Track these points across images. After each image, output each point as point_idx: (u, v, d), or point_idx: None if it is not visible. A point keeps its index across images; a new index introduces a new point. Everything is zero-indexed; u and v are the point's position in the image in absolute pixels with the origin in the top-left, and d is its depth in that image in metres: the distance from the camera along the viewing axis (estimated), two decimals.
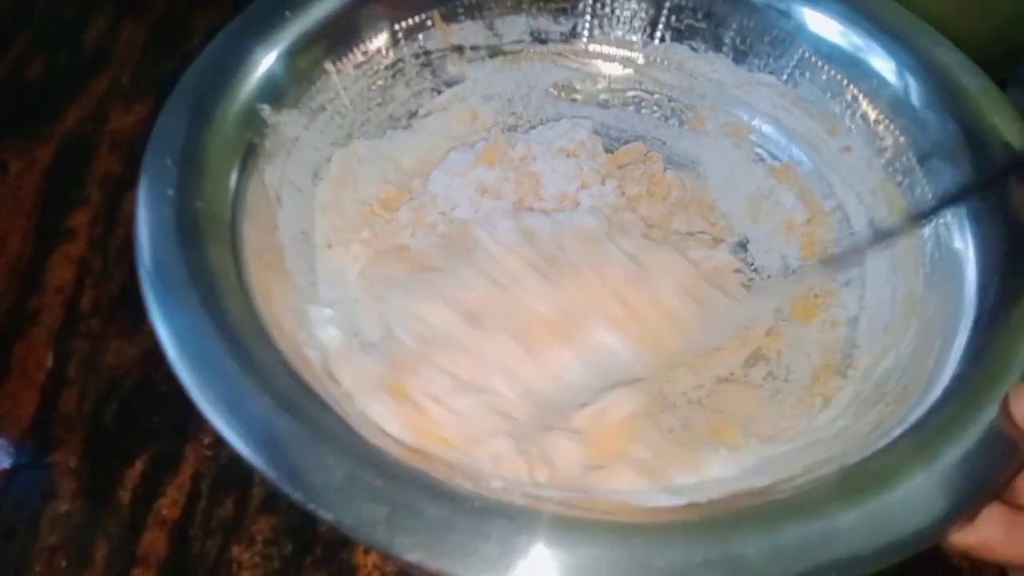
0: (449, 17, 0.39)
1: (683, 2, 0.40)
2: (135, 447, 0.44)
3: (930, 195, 0.34)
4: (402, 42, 0.39)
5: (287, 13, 0.34)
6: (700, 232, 0.39)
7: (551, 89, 0.42)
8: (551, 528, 0.23)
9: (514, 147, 0.39)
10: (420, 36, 0.39)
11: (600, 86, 0.42)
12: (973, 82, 0.34)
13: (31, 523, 0.41)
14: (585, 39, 0.42)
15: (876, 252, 0.36)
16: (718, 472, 0.30)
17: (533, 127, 0.42)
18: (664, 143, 0.42)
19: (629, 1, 0.41)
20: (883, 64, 0.36)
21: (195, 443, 0.44)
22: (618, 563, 0.23)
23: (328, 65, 0.36)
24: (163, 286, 0.26)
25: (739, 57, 0.40)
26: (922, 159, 0.35)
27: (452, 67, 0.40)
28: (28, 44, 0.62)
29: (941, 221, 0.33)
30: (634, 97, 0.43)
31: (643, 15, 0.41)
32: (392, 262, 0.36)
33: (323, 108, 0.36)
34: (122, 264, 0.50)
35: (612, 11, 0.41)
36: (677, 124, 0.43)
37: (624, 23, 0.41)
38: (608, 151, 0.42)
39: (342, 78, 0.37)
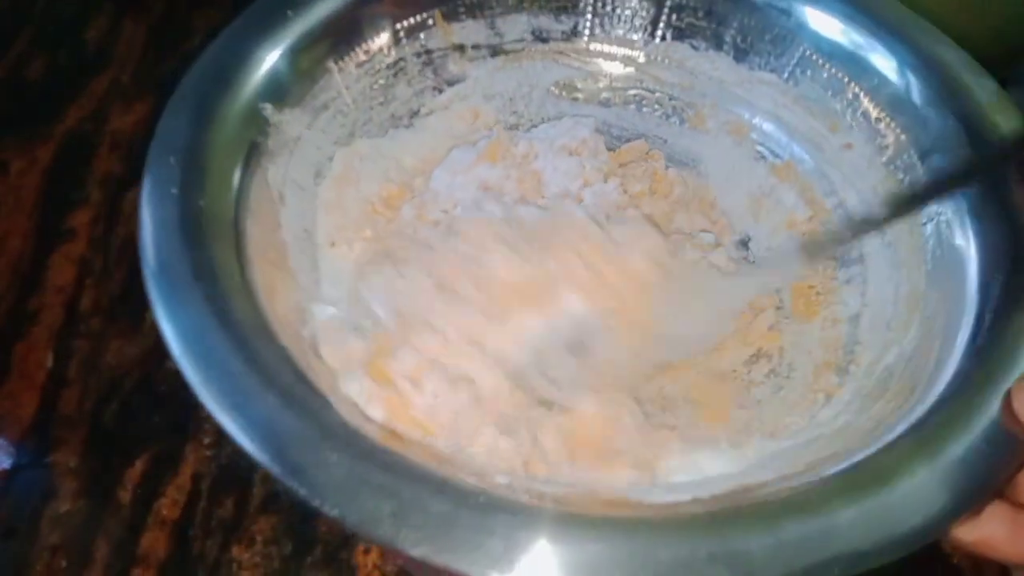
0: (450, 16, 0.39)
1: (684, 1, 0.40)
2: (135, 447, 0.44)
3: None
4: (404, 41, 0.39)
5: (289, 12, 0.34)
6: (702, 230, 0.39)
7: (552, 88, 0.43)
8: (555, 523, 0.23)
9: (516, 145, 0.39)
10: (422, 35, 0.39)
11: (601, 85, 0.42)
12: (974, 80, 0.34)
13: (31, 523, 0.41)
14: (586, 38, 0.42)
15: (862, 240, 0.36)
16: (721, 468, 0.30)
17: (535, 125, 0.42)
18: (665, 141, 0.43)
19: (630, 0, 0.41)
20: (884, 62, 0.36)
21: (195, 443, 0.44)
22: (621, 558, 0.23)
23: (330, 64, 0.36)
24: (167, 284, 0.27)
25: (740, 55, 0.40)
26: (923, 156, 0.35)
27: (454, 66, 0.40)
28: (28, 44, 0.62)
29: (943, 219, 0.33)
30: (635, 96, 0.43)
31: (644, 14, 0.41)
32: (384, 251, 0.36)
33: (325, 107, 0.36)
34: (122, 264, 0.50)
35: (613, 10, 0.41)
36: (678, 122, 0.43)
37: (625, 22, 0.41)
38: (610, 149, 0.42)
39: (344, 77, 0.37)
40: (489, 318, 0.33)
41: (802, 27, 0.38)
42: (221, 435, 0.43)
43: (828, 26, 0.38)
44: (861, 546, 0.23)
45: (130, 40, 0.62)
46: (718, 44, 0.40)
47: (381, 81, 0.38)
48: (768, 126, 0.41)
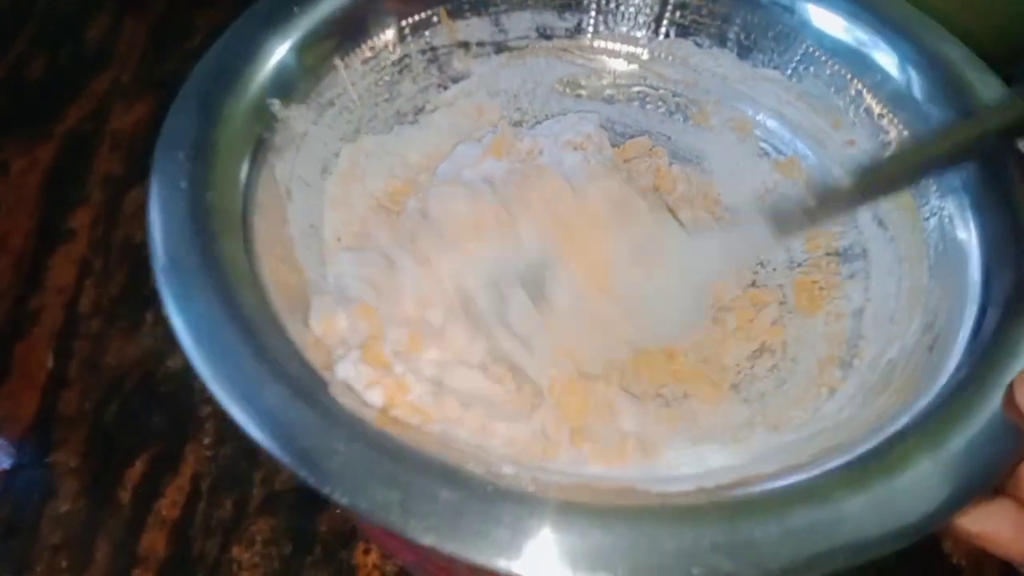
0: (455, 13, 0.39)
1: None
2: (135, 447, 0.44)
3: (933, 187, 0.34)
4: (409, 38, 0.39)
5: (295, 8, 0.35)
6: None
7: (556, 85, 0.43)
8: (561, 512, 0.23)
9: (521, 141, 0.39)
10: (426, 32, 0.39)
11: (605, 82, 0.43)
12: (977, 76, 0.34)
13: (32, 523, 0.41)
14: (590, 35, 0.42)
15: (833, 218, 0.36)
16: (724, 461, 0.30)
17: (539, 122, 0.42)
18: (669, 138, 0.43)
19: None
20: (887, 58, 0.37)
21: (195, 443, 0.44)
22: (628, 547, 0.23)
23: (336, 60, 0.36)
24: (177, 278, 0.27)
25: (743, 52, 0.40)
26: None
27: (458, 63, 0.41)
28: (29, 43, 0.62)
29: (945, 213, 0.33)
30: (639, 93, 0.43)
31: (648, 11, 0.41)
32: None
33: (331, 103, 0.37)
34: (123, 264, 0.50)
35: (617, 7, 0.41)
36: (682, 119, 0.43)
37: (629, 19, 0.41)
38: (613, 146, 0.42)
39: (350, 74, 0.37)
40: (444, 249, 0.34)
41: (805, 24, 0.38)
42: (221, 435, 0.44)
43: (831, 23, 0.38)
44: (866, 535, 0.23)
45: (131, 39, 0.62)
46: (722, 41, 0.41)
47: (386, 78, 0.39)
48: (772, 123, 0.41)
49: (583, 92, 0.43)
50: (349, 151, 0.37)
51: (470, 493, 0.23)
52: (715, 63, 0.41)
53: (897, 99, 0.36)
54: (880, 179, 0.32)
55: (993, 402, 0.26)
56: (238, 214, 0.30)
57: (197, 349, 0.25)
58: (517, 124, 0.42)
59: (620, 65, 0.43)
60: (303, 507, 0.42)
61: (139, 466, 0.43)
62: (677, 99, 0.43)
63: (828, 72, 0.38)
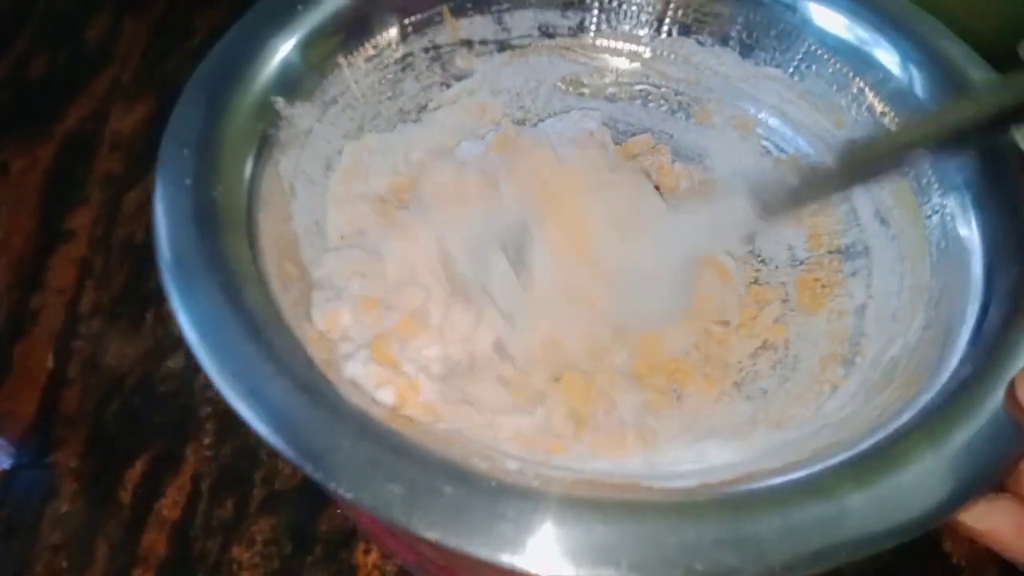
0: (458, 12, 0.39)
1: None
2: (136, 447, 0.44)
3: (935, 185, 0.34)
4: (412, 36, 0.39)
5: (299, 6, 0.35)
6: None
7: (559, 83, 0.43)
8: (565, 507, 0.23)
9: (523, 138, 0.39)
10: (429, 30, 0.39)
11: (607, 80, 0.43)
12: (978, 74, 0.34)
13: (32, 523, 0.41)
14: (592, 33, 0.42)
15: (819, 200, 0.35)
16: (727, 458, 0.30)
17: (541, 120, 0.42)
18: (671, 136, 0.43)
19: None
20: (888, 57, 0.37)
21: (195, 443, 0.44)
22: (631, 541, 0.23)
23: (340, 58, 0.37)
24: (182, 274, 0.27)
25: (745, 51, 0.40)
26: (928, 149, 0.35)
27: (461, 61, 0.41)
28: (29, 43, 0.62)
29: (947, 211, 0.33)
30: (641, 91, 0.43)
31: (650, 9, 0.41)
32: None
33: (335, 101, 0.37)
34: (123, 264, 0.51)
35: (619, 5, 0.41)
36: (684, 117, 0.43)
37: (631, 17, 0.41)
38: (616, 144, 0.42)
39: (353, 71, 0.37)
40: (426, 219, 0.34)
41: (807, 22, 0.39)
42: (221, 435, 0.44)
43: (833, 21, 0.38)
44: (869, 531, 0.23)
45: (131, 39, 0.62)
46: (724, 40, 0.41)
47: (389, 76, 0.39)
48: (774, 121, 0.41)
49: (585, 90, 0.43)
50: (352, 148, 0.37)
51: (474, 488, 0.23)
52: (717, 61, 0.41)
53: (899, 97, 0.36)
54: (865, 160, 0.31)
55: (995, 399, 0.26)
56: (243, 210, 0.30)
57: (202, 345, 0.25)
58: (520, 122, 0.42)
59: (622, 63, 0.43)
60: (303, 507, 0.42)
61: (139, 466, 0.43)
62: (679, 97, 0.43)
63: (830, 70, 0.38)
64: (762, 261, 0.39)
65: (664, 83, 0.43)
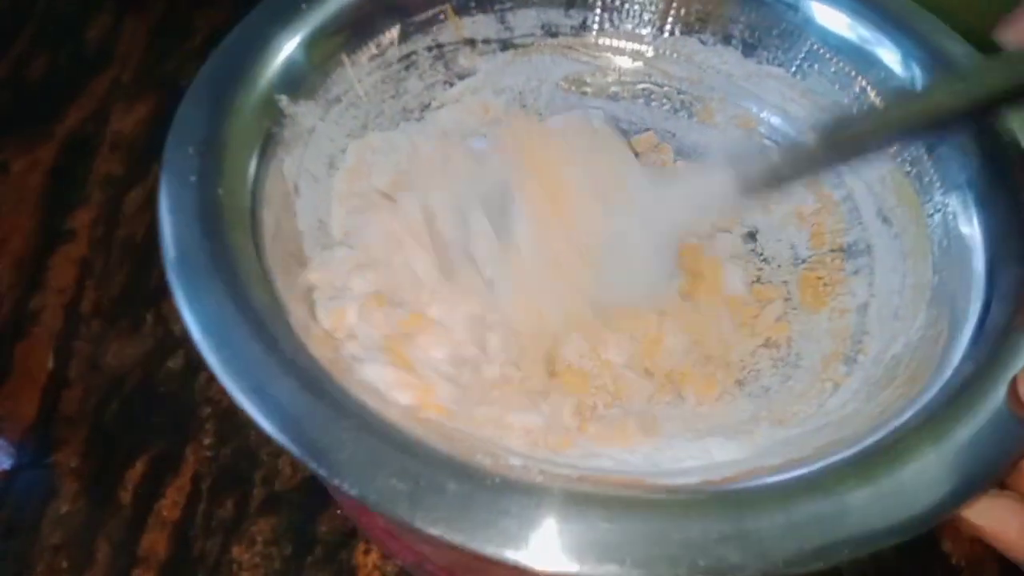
0: (461, 10, 0.39)
1: None
2: (136, 448, 0.44)
3: (937, 184, 0.35)
4: (415, 35, 0.39)
5: (303, 5, 0.35)
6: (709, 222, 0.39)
7: (562, 82, 0.43)
8: (569, 504, 0.23)
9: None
10: (433, 29, 0.39)
11: (610, 79, 0.43)
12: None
13: (32, 523, 0.41)
14: (595, 32, 0.42)
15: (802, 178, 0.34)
16: (729, 455, 0.30)
17: (544, 119, 0.42)
18: (674, 135, 0.43)
19: None
20: (890, 55, 0.37)
21: (195, 444, 0.44)
22: (635, 538, 0.23)
23: (343, 57, 0.37)
24: (187, 272, 0.27)
25: (748, 50, 0.41)
26: (930, 148, 0.35)
27: (464, 60, 0.41)
28: (29, 43, 0.62)
29: (949, 209, 0.34)
30: (644, 90, 0.43)
31: (652, 8, 0.41)
32: None
33: (338, 99, 0.37)
34: (123, 265, 0.51)
35: (622, 4, 0.41)
36: (686, 116, 0.43)
37: (634, 16, 0.42)
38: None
39: (357, 70, 0.37)
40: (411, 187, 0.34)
41: (809, 21, 0.39)
42: (222, 435, 0.44)
43: (835, 20, 0.38)
44: (871, 527, 0.24)
45: (131, 40, 0.62)
46: (726, 39, 0.41)
47: (392, 74, 0.39)
48: (776, 120, 0.41)
49: (588, 89, 0.43)
50: (356, 147, 0.37)
51: (478, 484, 0.24)
52: (720, 60, 0.41)
53: (901, 95, 0.36)
54: (848, 137, 0.31)
55: (997, 396, 0.26)
56: (247, 208, 0.30)
57: (207, 342, 0.25)
58: None
59: (625, 62, 0.43)
60: (304, 507, 0.42)
61: (139, 466, 0.43)
62: (682, 96, 0.43)
63: (832, 69, 0.39)
64: (764, 260, 0.39)
65: (667, 82, 0.43)
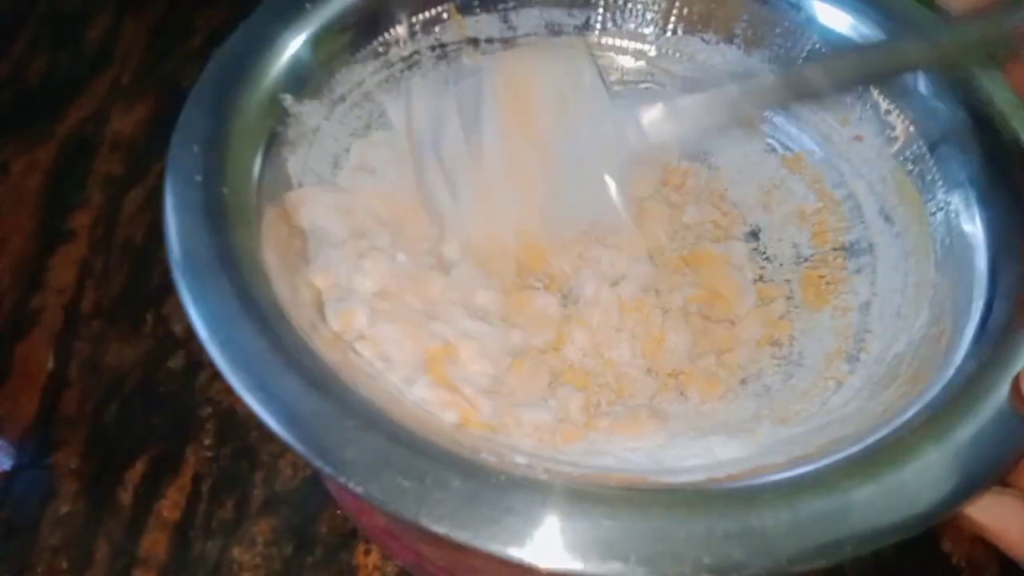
0: (465, 10, 0.39)
1: None
2: (136, 448, 0.44)
3: (939, 182, 0.35)
4: (419, 34, 0.39)
5: (308, 4, 0.35)
6: (712, 221, 0.39)
7: None
8: (573, 501, 0.24)
9: None
10: (436, 28, 0.39)
11: (613, 78, 0.43)
12: (982, 71, 0.35)
13: (32, 524, 0.41)
14: (598, 31, 0.42)
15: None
16: (732, 453, 0.30)
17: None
18: None
19: None
20: None
21: (196, 444, 0.44)
22: (639, 535, 0.23)
23: (347, 56, 0.37)
24: (193, 271, 0.27)
25: (750, 49, 0.41)
26: (932, 147, 0.35)
27: (467, 59, 0.41)
28: (29, 43, 0.62)
29: (951, 207, 0.34)
30: (646, 89, 0.43)
31: (655, 8, 0.41)
32: None
33: (343, 99, 0.37)
34: (123, 265, 0.50)
35: (625, 3, 0.41)
36: None
37: (636, 15, 0.42)
38: None
39: (361, 69, 0.37)
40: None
41: (811, 20, 0.39)
42: (222, 436, 0.44)
43: (837, 19, 0.38)
44: (875, 525, 0.24)
45: (131, 40, 0.62)
46: (729, 38, 0.41)
47: (396, 74, 0.39)
48: (778, 119, 0.41)
49: None
50: (360, 146, 0.37)
51: (483, 482, 0.24)
52: (722, 59, 0.41)
53: (904, 95, 0.37)
54: (807, 82, 0.32)
55: (1000, 394, 0.27)
56: (251, 207, 0.30)
57: (213, 340, 0.25)
58: None
59: (627, 61, 0.43)
60: (304, 508, 0.42)
61: (139, 467, 0.43)
62: None
63: None
64: (767, 258, 0.39)
65: (669, 81, 0.43)
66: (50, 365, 0.46)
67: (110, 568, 0.40)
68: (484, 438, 0.29)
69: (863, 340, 0.34)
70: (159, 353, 0.47)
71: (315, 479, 0.43)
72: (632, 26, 0.42)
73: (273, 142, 0.33)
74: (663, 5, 0.41)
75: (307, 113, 0.35)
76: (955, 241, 0.33)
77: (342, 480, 0.23)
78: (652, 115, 0.34)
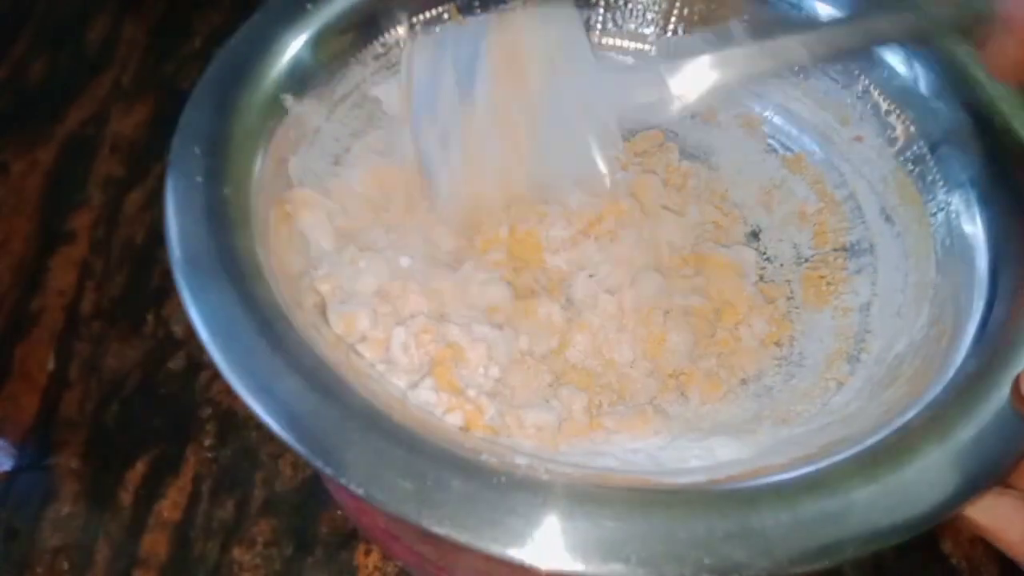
0: (465, 10, 0.39)
1: None
2: (136, 449, 0.44)
3: (940, 183, 0.35)
4: (419, 35, 0.39)
5: (309, 5, 0.35)
6: (712, 222, 0.39)
7: None
8: (575, 502, 0.24)
9: None
10: (436, 29, 0.39)
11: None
12: (981, 71, 0.35)
13: (33, 525, 0.41)
14: (598, 31, 0.42)
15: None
16: (733, 454, 0.30)
17: None
18: (677, 135, 0.43)
19: None
20: (893, 54, 0.37)
21: (196, 445, 0.44)
22: (641, 535, 0.23)
23: (348, 57, 0.37)
24: (194, 271, 0.27)
25: None
26: (932, 147, 0.35)
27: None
28: (29, 44, 0.62)
29: (952, 208, 0.34)
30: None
31: (656, 7, 0.41)
32: None
33: (343, 99, 0.37)
34: (123, 266, 0.50)
35: (625, 4, 0.41)
36: (689, 116, 0.43)
37: (637, 16, 0.42)
38: (624, 140, 0.42)
39: (361, 70, 0.37)
40: None
41: (812, 20, 0.39)
42: (222, 437, 0.44)
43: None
44: (876, 525, 0.24)
45: (131, 41, 0.62)
46: (729, 38, 0.41)
47: (397, 74, 0.39)
48: (779, 119, 0.41)
49: None
50: (360, 146, 0.37)
51: (484, 483, 0.24)
52: None
53: (904, 95, 0.37)
54: (782, 50, 0.32)
55: (1001, 395, 0.27)
56: (252, 207, 0.30)
57: (214, 342, 0.25)
58: None
59: (628, 61, 0.43)
60: (304, 508, 0.42)
61: (140, 467, 0.43)
62: None
63: (835, 68, 0.39)
64: (767, 259, 0.39)
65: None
66: (50, 366, 0.46)
67: (110, 568, 0.40)
68: (485, 439, 0.29)
69: (864, 340, 0.35)
70: (159, 354, 0.47)
71: (315, 480, 0.43)
72: (633, 26, 0.42)
73: (274, 142, 0.33)
74: (663, 5, 0.41)
75: (308, 113, 0.35)
76: (956, 241, 0.33)
77: (343, 481, 0.23)
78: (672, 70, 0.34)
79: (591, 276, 0.36)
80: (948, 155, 0.35)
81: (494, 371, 0.31)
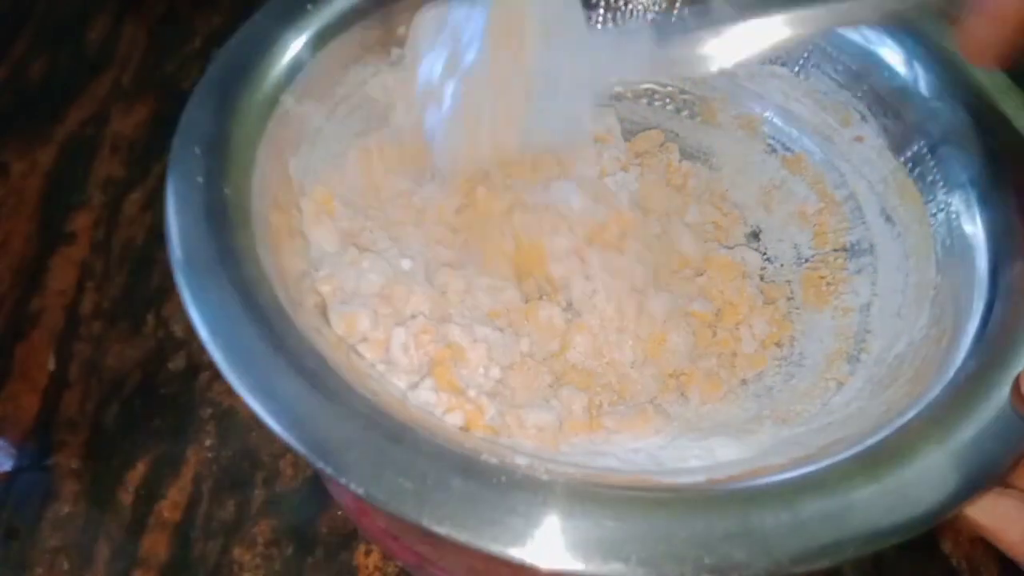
0: None
1: None
2: (136, 449, 0.44)
3: (940, 183, 0.35)
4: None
5: (309, 5, 0.35)
6: (712, 222, 0.39)
7: None
8: (575, 502, 0.24)
9: None
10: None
11: (613, 78, 0.43)
12: (982, 71, 0.35)
13: (33, 525, 0.41)
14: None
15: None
16: (733, 454, 0.30)
17: None
18: (677, 135, 0.43)
19: None
20: (893, 55, 0.37)
21: (196, 445, 0.44)
22: (641, 535, 0.23)
23: (348, 57, 0.37)
24: (194, 272, 0.27)
25: None
26: (932, 147, 0.35)
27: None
28: (29, 45, 0.62)
29: (952, 208, 0.34)
30: (647, 90, 0.43)
31: (656, 8, 0.41)
32: None
33: (344, 99, 0.37)
34: (123, 266, 0.50)
35: (625, 4, 0.41)
36: (690, 116, 0.43)
37: (637, 16, 0.42)
38: (625, 140, 0.42)
39: (361, 70, 0.37)
40: None
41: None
42: (222, 437, 0.44)
43: None
44: (876, 525, 0.24)
45: (131, 41, 0.62)
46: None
47: (398, 73, 0.39)
48: (779, 120, 0.41)
49: None
50: (361, 147, 0.37)
51: (484, 483, 0.24)
52: None
53: (904, 95, 0.37)
54: (770, 24, 0.32)
55: (1001, 395, 0.27)
56: (253, 208, 0.30)
57: (215, 342, 0.25)
58: None
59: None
60: (304, 508, 0.42)
61: (140, 468, 0.43)
62: (685, 96, 0.43)
63: (835, 69, 0.39)
64: (767, 259, 0.39)
65: (670, 82, 0.43)
66: (51, 366, 0.46)
67: (110, 568, 0.40)
68: (486, 439, 0.29)
69: (864, 340, 0.35)
70: (160, 354, 0.47)
71: (316, 480, 0.43)
72: (633, 26, 0.42)
73: (275, 143, 0.33)
74: (663, 4, 0.41)
75: (308, 113, 0.35)
76: (956, 242, 0.33)
77: (343, 481, 0.23)
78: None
79: (594, 291, 0.36)
80: (948, 155, 0.35)
81: (494, 372, 0.32)
